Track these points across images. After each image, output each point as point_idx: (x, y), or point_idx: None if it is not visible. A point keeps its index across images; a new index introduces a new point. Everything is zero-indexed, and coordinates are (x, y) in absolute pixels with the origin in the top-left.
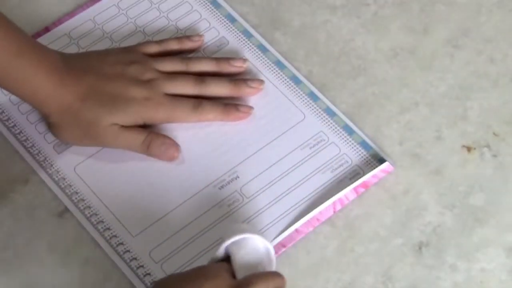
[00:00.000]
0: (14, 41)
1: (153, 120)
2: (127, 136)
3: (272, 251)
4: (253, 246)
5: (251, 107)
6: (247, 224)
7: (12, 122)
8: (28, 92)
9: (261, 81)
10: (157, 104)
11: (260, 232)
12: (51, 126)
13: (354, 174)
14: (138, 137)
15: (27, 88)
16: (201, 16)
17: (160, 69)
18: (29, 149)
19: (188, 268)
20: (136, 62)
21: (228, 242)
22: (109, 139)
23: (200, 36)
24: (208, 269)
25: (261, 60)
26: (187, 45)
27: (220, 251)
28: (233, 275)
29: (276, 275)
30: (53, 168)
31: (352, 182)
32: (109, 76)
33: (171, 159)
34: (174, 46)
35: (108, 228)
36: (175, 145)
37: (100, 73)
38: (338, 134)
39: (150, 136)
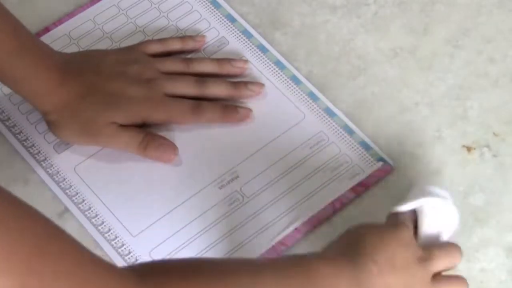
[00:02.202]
0: (17, 37)
1: (152, 120)
2: (125, 136)
3: (457, 218)
4: (440, 213)
5: (250, 110)
6: (442, 189)
7: (12, 122)
8: (27, 89)
9: (261, 85)
10: (156, 104)
11: (262, 230)
12: (50, 124)
13: (354, 174)
14: (136, 137)
15: (27, 84)
16: (201, 16)
17: (161, 69)
18: (29, 149)
19: None
20: (137, 62)
21: (425, 200)
22: (107, 138)
23: (203, 36)
24: (401, 235)
25: (261, 60)
26: (190, 44)
27: (413, 204)
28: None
29: (455, 249)
30: (53, 168)
31: (352, 182)
32: (110, 75)
33: (168, 161)
34: (176, 45)
35: (109, 229)
36: (173, 146)
37: (100, 72)
38: (338, 134)
39: (148, 137)
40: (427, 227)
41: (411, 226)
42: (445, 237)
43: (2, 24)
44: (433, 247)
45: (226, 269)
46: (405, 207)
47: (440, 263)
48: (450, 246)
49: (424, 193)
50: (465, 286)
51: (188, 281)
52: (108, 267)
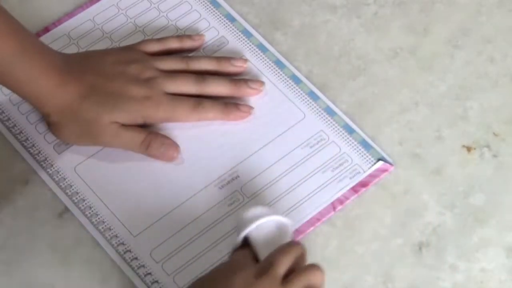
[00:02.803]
0: (19, 39)
1: (153, 119)
2: (127, 136)
3: (288, 224)
4: (269, 225)
5: (251, 107)
6: (260, 207)
7: (12, 122)
8: (28, 91)
9: (262, 83)
10: (157, 103)
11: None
12: (51, 126)
13: (355, 174)
14: (138, 137)
15: (28, 86)
16: (200, 15)
17: (160, 68)
18: (29, 149)
19: (189, 267)
20: (136, 61)
21: (246, 231)
22: (108, 138)
23: (201, 35)
24: (233, 262)
25: (261, 59)
26: (188, 43)
27: (239, 239)
28: (256, 259)
29: (293, 244)
30: (53, 168)
31: (353, 181)
32: (109, 75)
33: (170, 159)
34: (174, 44)
35: (109, 228)
36: (175, 145)
37: (100, 72)
38: (338, 133)
39: (150, 136)
40: (262, 248)
41: (249, 263)
42: (281, 243)
43: (3, 26)
44: (269, 254)
45: None
46: (234, 245)
47: (283, 264)
48: (286, 245)
49: (243, 223)
50: (316, 270)
51: None
52: None
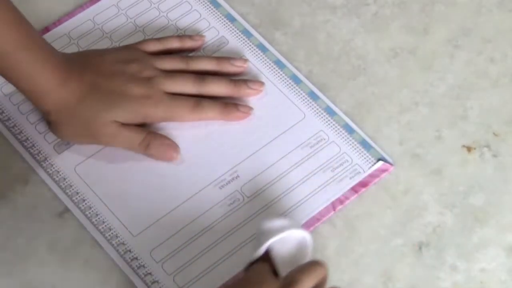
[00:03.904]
0: (23, 32)
1: (152, 118)
2: (126, 135)
3: (309, 238)
4: (291, 239)
5: (250, 107)
6: (282, 217)
7: (12, 122)
8: (29, 87)
9: (261, 83)
10: (156, 102)
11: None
12: (50, 124)
13: (355, 173)
14: (137, 136)
15: (30, 83)
16: (200, 15)
17: (160, 67)
18: (29, 149)
19: (189, 267)
20: (136, 60)
21: (269, 243)
22: (108, 137)
23: (201, 36)
24: (252, 277)
25: (261, 59)
26: (188, 43)
27: (261, 251)
28: (274, 272)
29: (317, 265)
30: (53, 168)
31: (353, 181)
32: (109, 73)
33: (169, 159)
34: (174, 44)
35: (109, 228)
36: (174, 145)
37: (100, 71)
38: (338, 133)
39: (149, 136)
40: (283, 263)
41: (269, 278)
42: (305, 259)
43: (8, 17)
44: (292, 271)
45: None
46: (254, 256)
47: (305, 284)
48: (310, 264)
49: (265, 234)
50: None
51: None
52: None
